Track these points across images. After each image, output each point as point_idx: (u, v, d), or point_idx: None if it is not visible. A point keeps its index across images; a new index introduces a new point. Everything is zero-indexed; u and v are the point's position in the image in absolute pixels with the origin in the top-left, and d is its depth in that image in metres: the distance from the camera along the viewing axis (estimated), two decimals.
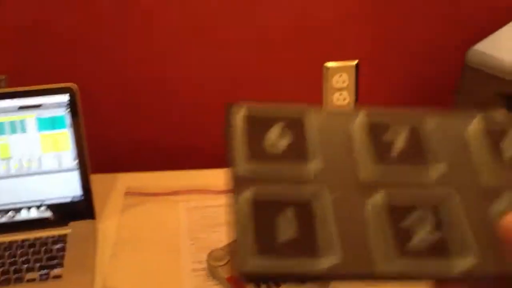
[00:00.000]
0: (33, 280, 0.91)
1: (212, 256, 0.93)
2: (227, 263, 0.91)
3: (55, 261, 0.93)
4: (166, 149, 1.23)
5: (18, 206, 1.00)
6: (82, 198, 1.01)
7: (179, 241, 0.99)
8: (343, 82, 1.15)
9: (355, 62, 1.13)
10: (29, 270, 0.92)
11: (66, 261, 0.94)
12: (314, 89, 1.16)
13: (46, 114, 0.98)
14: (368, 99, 1.18)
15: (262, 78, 1.17)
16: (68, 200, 1.01)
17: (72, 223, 1.01)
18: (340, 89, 1.15)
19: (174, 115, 1.21)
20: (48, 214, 1.01)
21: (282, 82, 1.17)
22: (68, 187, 1.01)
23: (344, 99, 1.16)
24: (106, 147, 1.20)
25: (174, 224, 1.03)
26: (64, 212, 1.01)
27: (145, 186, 1.11)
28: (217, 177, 1.13)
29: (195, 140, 1.23)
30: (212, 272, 0.92)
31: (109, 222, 1.04)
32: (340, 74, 1.14)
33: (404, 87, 1.20)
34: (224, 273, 0.90)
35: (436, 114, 0.34)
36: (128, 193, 1.10)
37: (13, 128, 0.98)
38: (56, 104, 0.98)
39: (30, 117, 0.98)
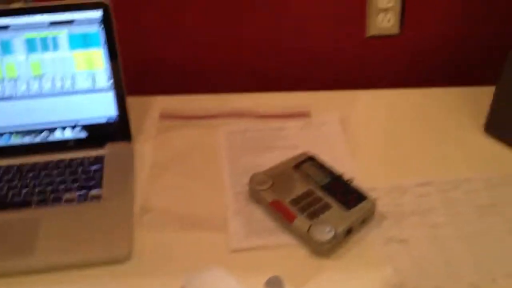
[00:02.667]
0: (71, 200, 0.88)
1: (254, 180, 0.90)
2: (269, 187, 0.88)
3: (93, 182, 0.91)
4: (204, 71, 1.19)
5: (52, 126, 0.97)
6: (118, 119, 0.98)
7: (218, 164, 0.96)
8: (389, 2, 1.08)
9: None
10: (67, 190, 0.90)
11: (104, 181, 0.91)
12: (356, 10, 1.11)
13: (78, 30, 0.94)
14: (415, 23, 1.12)
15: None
16: (103, 121, 0.98)
17: (108, 145, 0.98)
18: (385, 10, 1.09)
19: (213, 34, 1.15)
20: (83, 134, 0.98)
21: (320, 5, 1.11)
22: (103, 108, 0.97)
23: (389, 21, 1.10)
24: (141, 67, 1.15)
25: (212, 147, 1.00)
26: (100, 133, 0.98)
27: (181, 109, 1.08)
28: (255, 101, 1.09)
29: (234, 61, 1.18)
30: (254, 196, 0.89)
31: (146, 145, 1.00)
32: None
33: (454, 13, 1.13)
34: (268, 197, 0.87)
35: None
36: (163, 116, 1.06)
37: (45, 45, 0.94)
38: (89, 20, 0.93)
39: (62, 34, 0.93)
